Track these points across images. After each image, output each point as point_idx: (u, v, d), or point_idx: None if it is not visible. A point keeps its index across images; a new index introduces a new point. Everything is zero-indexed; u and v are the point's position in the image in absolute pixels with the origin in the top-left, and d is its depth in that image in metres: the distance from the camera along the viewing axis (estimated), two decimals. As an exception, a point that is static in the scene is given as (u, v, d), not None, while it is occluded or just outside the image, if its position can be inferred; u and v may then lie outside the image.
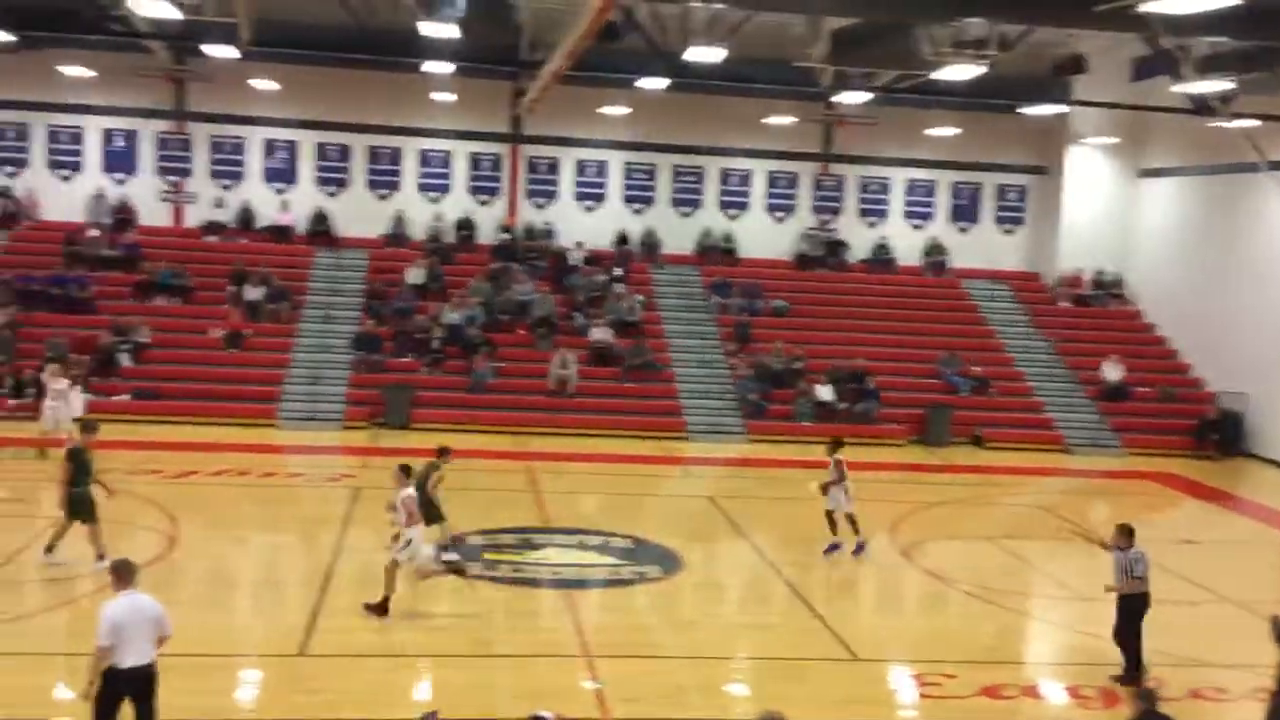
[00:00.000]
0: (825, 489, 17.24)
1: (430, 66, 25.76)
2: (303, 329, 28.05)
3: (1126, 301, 32.78)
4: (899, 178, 33.86)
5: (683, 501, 21.90)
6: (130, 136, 30.80)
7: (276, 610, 14.40)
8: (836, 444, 17.53)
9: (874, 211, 33.88)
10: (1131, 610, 12.50)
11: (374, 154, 31.81)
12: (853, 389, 27.91)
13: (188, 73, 30.05)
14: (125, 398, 25.02)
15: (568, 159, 32.53)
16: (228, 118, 30.93)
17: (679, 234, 32.82)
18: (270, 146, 31.42)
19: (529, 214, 32.37)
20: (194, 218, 30.94)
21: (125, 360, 26.00)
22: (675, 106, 30.22)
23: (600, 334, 28.57)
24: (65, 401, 21.22)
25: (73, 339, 25.85)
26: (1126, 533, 12.60)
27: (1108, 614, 12.70)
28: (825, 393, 27.64)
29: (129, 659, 9.25)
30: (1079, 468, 26.46)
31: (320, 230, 31.02)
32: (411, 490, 13.94)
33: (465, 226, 31.84)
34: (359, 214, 31.35)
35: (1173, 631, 13.52)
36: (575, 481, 22.42)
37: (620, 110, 30.65)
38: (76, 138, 30.65)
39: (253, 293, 28.18)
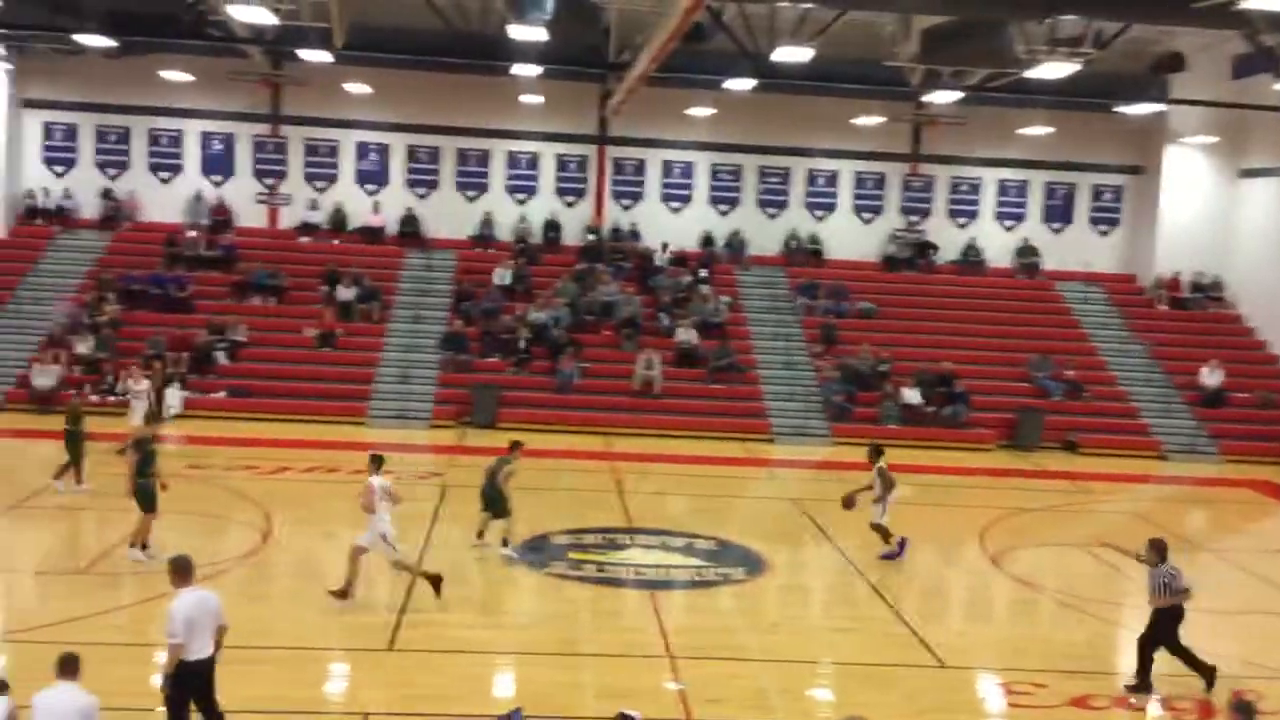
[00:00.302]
0: (850, 502, 17.02)
1: (519, 69, 25.99)
2: (392, 329, 28.48)
3: (1226, 305, 31.90)
4: (990, 178, 33.35)
5: (766, 504, 21.80)
6: (228, 140, 31.55)
7: (364, 605, 14.61)
8: (877, 451, 17.20)
9: (964, 212, 33.42)
10: (1166, 623, 12.30)
11: (463, 156, 32.19)
12: (940, 392, 27.56)
13: (283, 77, 30.70)
14: (221, 395, 25.65)
15: (654, 160, 32.59)
16: (321, 121, 31.54)
17: (765, 235, 32.69)
18: (362, 149, 31.96)
19: (615, 215, 32.50)
20: (288, 219, 31.59)
21: (222, 358, 26.63)
22: (762, 107, 30.11)
23: (685, 335, 28.57)
24: (144, 400, 21.58)
25: (171, 337, 26.55)
26: (1158, 549, 12.40)
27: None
28: (912, 395, 27.34)
29: (197, 652, 9.52)
30: (1175, 474, 25.83)
31: (410, 231, 31.47)
32: (377, 480, 13.90)
33: (552, 227, 32.06)
34: (448, 215, 31.74)
35: (1269, 642, 13.13)
36: (659, 482, 22.45)
37: (706, 111, 30.62)
38: (176, 141, 31.49)
39: (345, 293, 28.69)
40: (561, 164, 32.42)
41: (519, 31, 21.04)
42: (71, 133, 31.21)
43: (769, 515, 20.26)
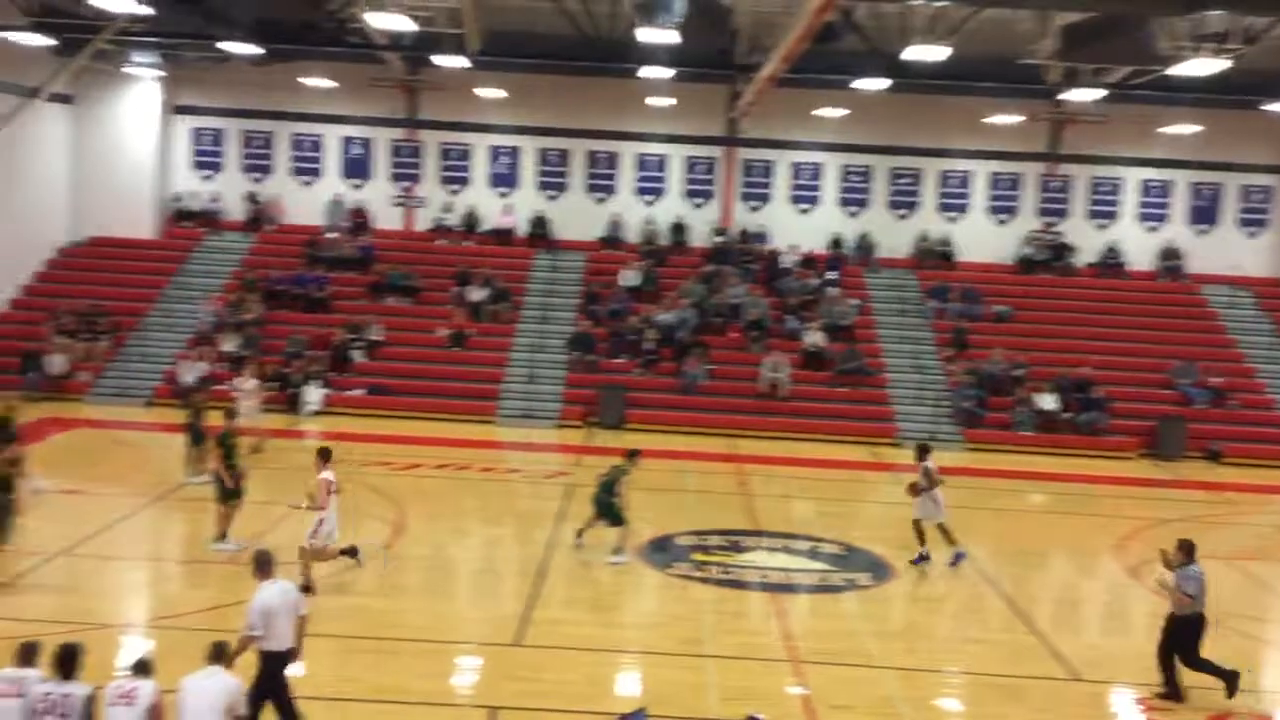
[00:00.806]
0: (915, 491, 16.66)
1: (648, 72, 26.14)
2: (521, 329, 28.91)
3: (1385, 310, 30.36)
4: (1132, 178, 32.31)
5: (894, 509, 21.44)
6: (366, 144, 32.43)
7: (493, 600, 14.89)
8: (924, 450, 16.96)
9: (1104, 213, 32.44)
10: (1180, 630, 11.96)
11: (592, 158, 32.50)
12: (1077, 398, 26.82)
13: (419, 82, 31.42)
14: (358, 392, 26.35)
15: (782, 161, 32.43)
16: (455, 125, 32.19)
17: (894, 237, 32.25)
18: (494, 152, 32.51)
19: (743, 217, 32.43)
20: (423, 221, 32.32)
21: (358, 357, 27.38)
22: (893, 107, 29.72)
23: (812, 338, 28.37)
24: (252, 399, 22.16)
25: (311, 336, 27.39)
26: (1183, 549, 12.03)
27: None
28: (1047, 402, 26.66)
29: (279, 642, 9.83)
30: (1327, 488, 24.67)
31: (540, 233, 31.90)
32: (327, 475, 14.04)
33: (679, 229, 32.16)
34: (577, 217, 32.08)
35: None
36: (784, 485, 22.34)
37: (836, 112, 30.34)
38: (317, 145, 32.48)
39: (476, 293, 29.22)
40: (689, 166, 32.49)
41: (648, 35, 21.17)
42: (218, 138, 32.47)
43: (896, 521, 19.93)
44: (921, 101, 29.52)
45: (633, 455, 16.44)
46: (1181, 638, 12.00)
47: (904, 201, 32.52)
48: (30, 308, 28.51)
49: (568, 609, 14.17)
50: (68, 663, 8.44)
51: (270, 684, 9.59)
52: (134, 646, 10.98)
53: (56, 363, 26.04)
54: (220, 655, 8.72)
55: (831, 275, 30.69)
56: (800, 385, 27.24)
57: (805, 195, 32.55)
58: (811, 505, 21.01)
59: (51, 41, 25.76)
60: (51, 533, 15.24)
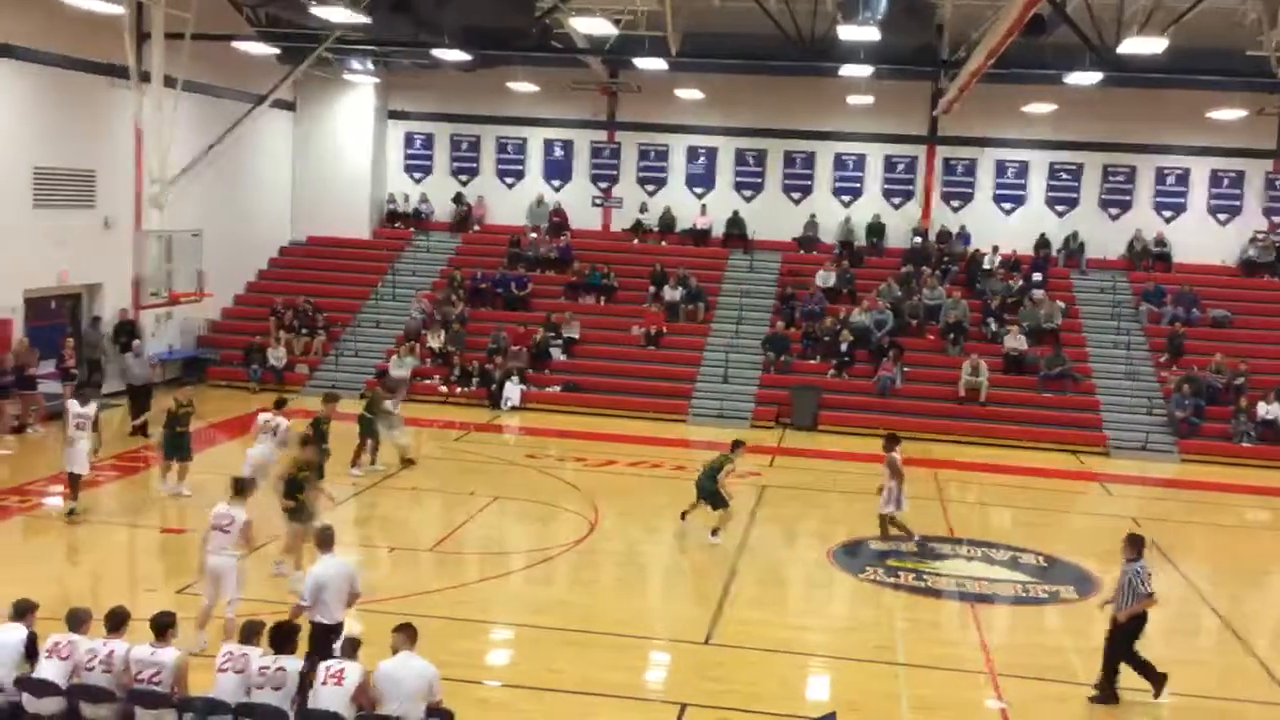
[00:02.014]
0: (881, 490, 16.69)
1: (848, 70, 25.83)
2: (716, 329, 29.00)
3: None
4: (1372, 174, 30.17)
5: (1100, 520, 20.63)
6: (567, 146, 33.14)
7: (683, 598, 15.01)
8: (893, 440, 17.02)
9: (1337, 213, 30.39)
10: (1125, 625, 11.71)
11: (789, 158, 32.35)
12: (1304, 409, 25.19)
13: (620, 85, 31.91)
14: (556, 389, 26.95)
15: (986, 160, 31.57)
16: (653, 126, 32.56)
17: (1105, 237, 30.97)
18: (692, 153, 32.74)
19: (943, 216, 31.72)
20: (621, 221, 32.80)
21: (557, 354, 27.99)
22: (1106, 102, 28.56)
23: (1015, 341, 27.51)
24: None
25: (512, 333, 28.16)
26: (1130, 543, 11.91)
27: None
28: (1272, 411, 25.11)
29: (327, 615, 10.23)
30: None
31: (735, 233, 31.93)
32: (268, 416, 14.89)
33: (876, 230, 31.68)
34: (772, 217, 31.98)
35: None
36: (983, 492, 21.75)
37: (1044, 108, 29.34)
38: (521, 148, 33.37)
39: (671, 293, 29.48)
40: (889, 165, 31.98)
41: (849, 32, 20.93)
42: (428, 142, 33.74)
43: (1103, 533, 19.14)
44: (1137, 96, 28.30)
45: (736, 445, 17.09)
46: (1120, 630, 11.73)
47: (1117, 200, 31.21)
48: (254, 304, 30.25)
49: (758, 609, 14.16)
50: (284, 641, 8.94)
51: (321, 654, 9.69)
52: (350, 627, 11.50)
53: (277, 356, 27.54)
54: (411, 640, 9.03)
55: (1037, 277, 29.69)
56: (1001, 390, 26.45)
57: (1010, 194, 31.60)
58: (1012, 514, 20.39)
59: (276, 50, 27.31)
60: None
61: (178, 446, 17.50)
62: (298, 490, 13.73)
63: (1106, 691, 11.75)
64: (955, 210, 31.75)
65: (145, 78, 22.89)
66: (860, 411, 26.10)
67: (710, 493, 16.74)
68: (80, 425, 15.85)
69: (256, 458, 16.32)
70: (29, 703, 8.84)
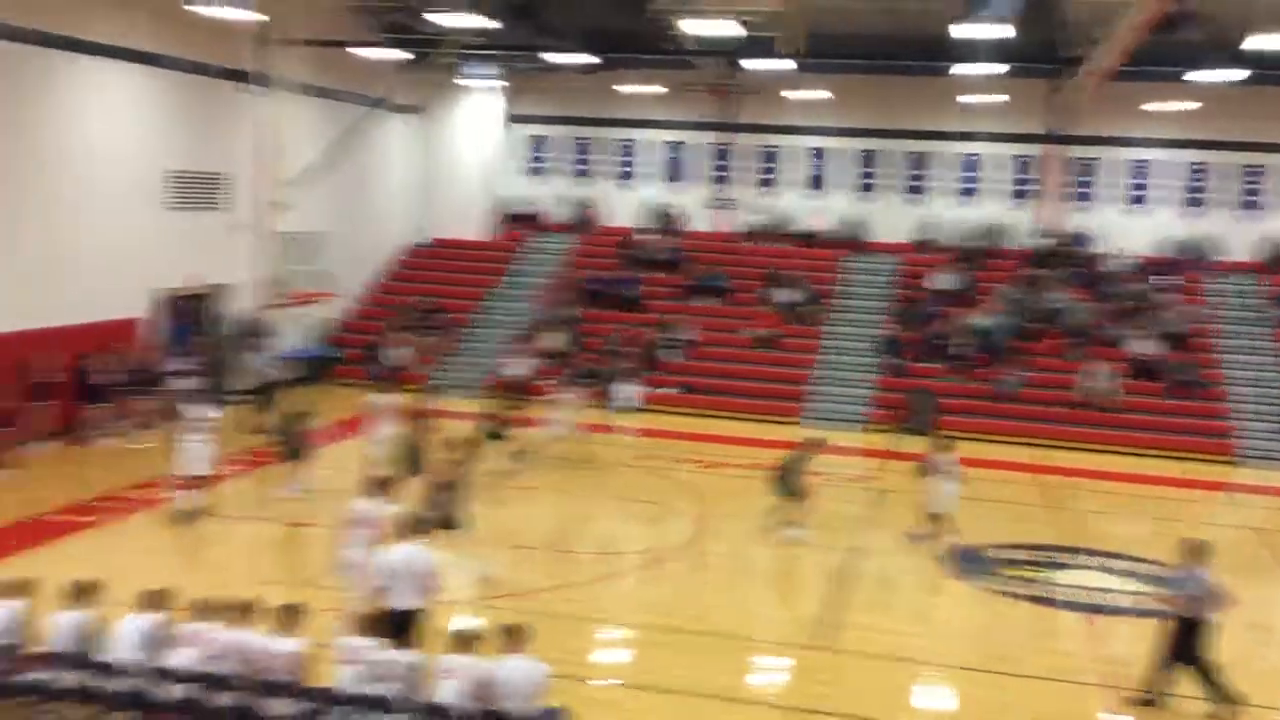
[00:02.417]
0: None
1: (968, 69, 25.42)
2: (830, 331, 28.79)
3: None
4: None
5: (1226, 532, 19.94)
6: (683, 148, 33.24)
7: (794, 601, 14.98)
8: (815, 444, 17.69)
9: None
10: (1178, 631, 11.37)
11: (907, 159, 31.96)
12: None
13: (736, 86, 31.89)
14: (669, 390, 27.06)
15: (1111, 159, 30.77)
16: (769, 127, 32.47)
17: (1239, 239, 29.93)
18: (808, 154, 32.55)
19: (1066, 218, 30.99)
20: (735, 223, 32.78)
21: (670, 356, 28.10)
22: (1240, 100, 27.59)
23: (1140, 346, 26.74)
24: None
25: (626, 335, 28.35)
26: (1188, 550, 11.55)
27: None
28: None
29: (400, 601, 10.38)
30: None
31: (851, 235, 31.65)
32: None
33: (996, 231, 31.10)
34: (889, 219, 31.65)
35: None
36: (1102, 500, 21.20)
37: (1174, 106, 28.47)
38: (637, 150, 33.58)
39: (784, 295, 29.35)
40: (1009, 165, 31.37)
41: (971, 30, 20.62)
42: (547, 144, 34.17)
43: (1228, 544, 18.51)
44: (1270, 94, 27.25)
45: (815, 444, 17.73)
46: (1175, 634, 11.50)
47: (1251, 201, 30.13)
48: (376, 304, 30.99)
49: (869, 615, 14.05)
50: (402, 634, 9.17)
51: (402, 641, 9.81)
52: (463, 623, 11.75)
53: (397, 355, 28.17)
54: (520, 641, 9.16)
55: (1164, 280, 28.81)
56: (1124, 396, 25.74)
57: (1136, 195, 30.75)
58: (1133, 523, 19.85)
59: (401, 56, 27.95)
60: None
61: (296, 448, 18.01)
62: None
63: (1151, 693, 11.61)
64: (1079, 211, 31.01)
65: (273, 83, 23.63)
66: (978, 416, 25.66)
67: (789, 487, 17.02)
68: (199, 429, 16.37)
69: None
70: (159, 689, 9.22)
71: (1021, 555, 16.63)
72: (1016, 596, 14.89)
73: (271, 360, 23.59)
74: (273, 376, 23.33)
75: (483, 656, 9.04)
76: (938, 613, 14.67)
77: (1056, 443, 24.74)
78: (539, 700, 9.02)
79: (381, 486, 12.40)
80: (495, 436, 20.00)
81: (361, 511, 12.16)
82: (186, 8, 20.62)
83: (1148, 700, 11.53)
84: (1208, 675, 11.42)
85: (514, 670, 8.91)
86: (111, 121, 21.98)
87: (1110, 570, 16.24)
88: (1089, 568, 16.33)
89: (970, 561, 16.28)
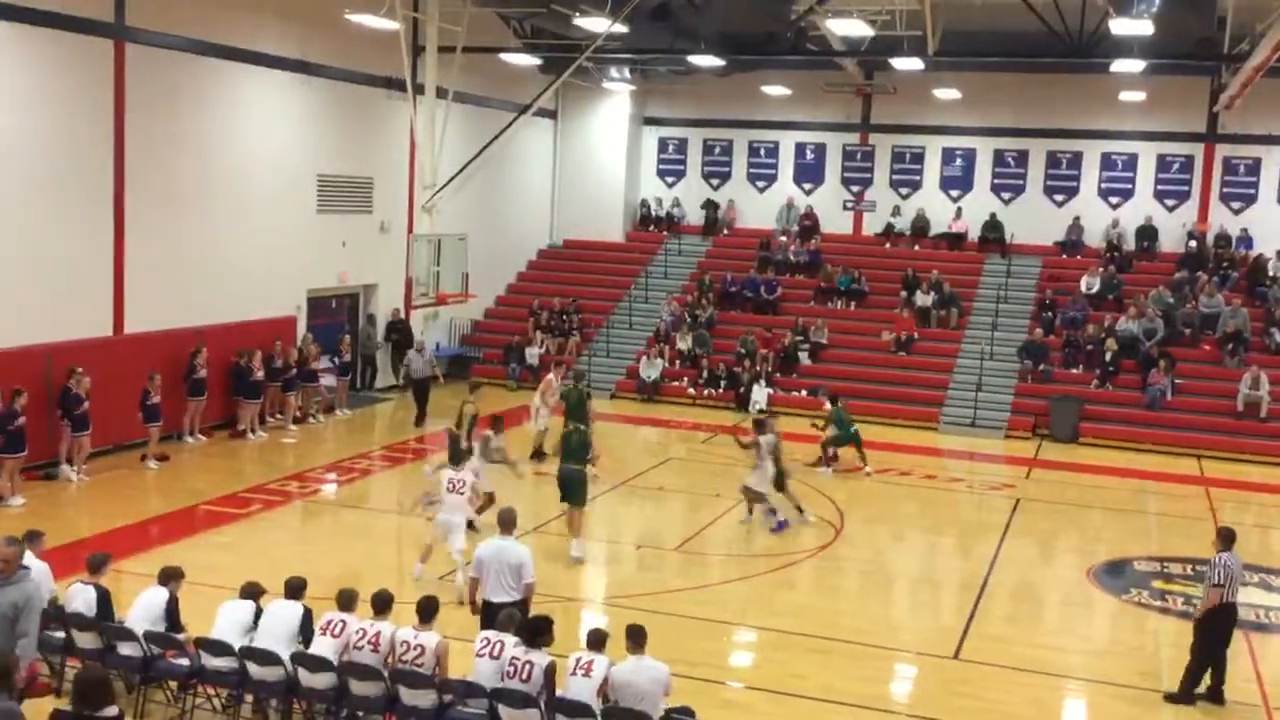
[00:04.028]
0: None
1: (1119, 66, 24.59)
2: (970, 335, 28.16)
3: None
4: None
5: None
6: (819, 149, 32.94)
7: (931, 610, 14.69)
8: (760, 425, 17.47)
9: None
10: (1206, 621, 11.29)
11: (1052, 158, 31.10)
12: None
13: (874, 86, 31.47)
14: (803, 394, 26.82)
15: (1272, 158, 29.40)
16: (908, 128, 31.95)
17: None
18: (947, 154, 31.93)
19: (1222, 219, 29.75)
20: (872, 225, 32.35)
21: (804, 359, 27.86)
22: None
23: (1303, 353, 25.52)
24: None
25: (760, 337, 28.21)
26: (1220, 536, 11.57)
27: None
28: None
29: (490, 593, 10.54)
30: None
31: (993, 237, 30.92)
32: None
33: (1147, 233, 30.03)
34: (1033, 220, 30.82)
35: None
36: (1262, 514, 20.27)
37: (1342, 101, 27.11)
38: (772, 152, 33.40)
39: (923, 298, 28.83)
40: (1162, 164, 30.25)
41: (1121, 26, 19.95)
42: (681, 146, 34.24)
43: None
44: None
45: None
46: (1202, 629, 11.40)
47: None
48: (513, 304, 31.47)
49: (1011, 626, 13.70)
50: (536, 632, 9.28)
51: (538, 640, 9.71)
52: (593, 622, 11.85)
53: (533, 355, 28.55)
54: (641, 642, 9.16)
55: (1329, 284, 27.46)
56: (1285, 405, 24.60)
57: (1299, 195, 29.37)
58: (1295, 539, 18.94)
59: (538, 61, 28.34)
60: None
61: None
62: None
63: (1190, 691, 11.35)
64: (1236, 212, 29.72)
65: (419, 89, 24.17)
66: (1125, 424, 24.80)
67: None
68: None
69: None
70: (304, 677, 9.51)
71: (1173, 569, 16.00)
72: (1166, 612, 14.33)
73: (428, 359, 24.29)
74: (428, 374, 23.99)
75: (611, 656, 9.09)
76: (1082, 626, 14.20)
77: (1211, 453, 23.76)
78: (665, 700, 9.03)
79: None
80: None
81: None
82: (347, 16, 21.31)
83: (1180, 696, 11.32)
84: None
85: (637, 674, 8.93)
86: (269, 128, 22.81)
87: (1270, 587, 15.51)
88: (1247, 584, 15.60)
89: (1116, 575, 15.75)
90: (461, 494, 13.58)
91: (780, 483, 17.35)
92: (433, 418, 23.19)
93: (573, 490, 15.26)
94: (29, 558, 9.04)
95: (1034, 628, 13.92)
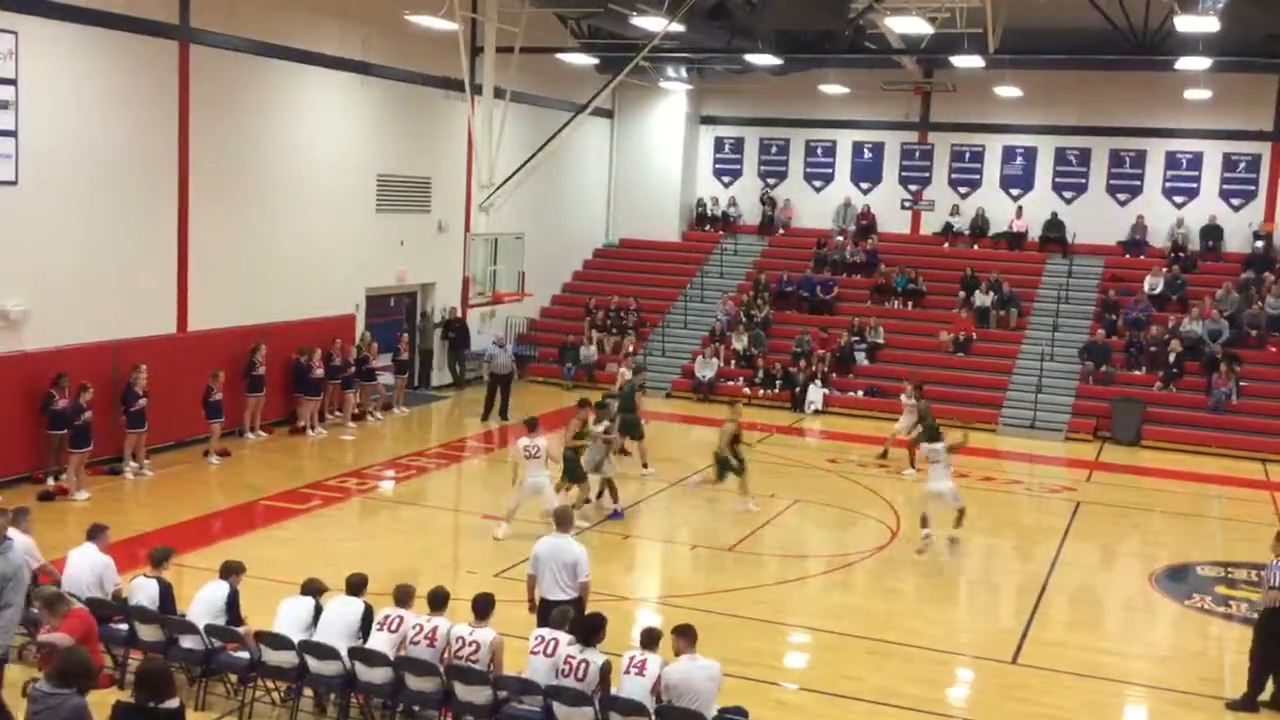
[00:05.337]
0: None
1: (1185, 63, 24.17)
2: (1030, 336, 27.83)
3: None
4: None
5: None
6: (877, 148, 32.70)
7: (990, 614, 14.54)
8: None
9: None
10: (1266, 625, 11.06)
11: (1115, 157, 30.63)
12: None
13: (933, 84, 31.18)
14: (859, 394, 26.67)
15: (1343, 155, 28.80)
16: (967, 126, 31.61)
17: None
18: (1008, 153, 31.56)
19: (1291, 219, 29.18)
20: (930, 225, 32.06)
21: (861, 359, 27.68)
22: None
23: (1374, 356, 24.95)
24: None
25: (816, 337, 28.07)
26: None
27: None
28: None
29: (545, 590, 10.62)
30: None
31: (1054, 236, 30.52)
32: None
33: (1212, 233, 29.50)
34: (1095, 220, 30.37)
35: None
36: (1332, 521, 19.84)
37: None
38: (829, 151, 33.21)
39: (982, 299, 28.53)
40: (1228, 163, 29.68)
41: (1187, 23, 19.62)
42: (738, 145, 34.15)
43: None
44: None
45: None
46: (1262, 630, 11.22)
47: None
48: (569, 303, 31.57)
49: (1071, 632, 13.52)
50: (590, 631, 9.31)
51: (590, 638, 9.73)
52: (646, 621, 11.87)
53: (589, 353, 28.63)
54: (691, 641, 9.09)
55: (1402, 285, 26.81)
56: (1356, 409, 24.05)
57: (1371, 194, 28.70)
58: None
59: (595, 61, 28.41)
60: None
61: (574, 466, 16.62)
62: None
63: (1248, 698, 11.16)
64: (1305, 212, 29.15)
65: (477, 90, 24.35)
66: (1188, 427, 24.39)
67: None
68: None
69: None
70: (362, 671, 9.62)
71: (1238, 575, 15.71)
72: (1230, 618, 14.07)
73: (508, 354, 24.60)
74: (508, 369, 24.31)
75: (664, 656, 9.09)
76: (1144, 632, 13.99)
77: (1277, 456, 23.32)
78: (717, 699, 9.01)
79: (535, 426, 15.65)
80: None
81: (528, 447, 15.33)
82: (406, 17, 21.49)
83: (1243, 704, 11.11)
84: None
85: (690, 674, 8.92)
86: (329, 128, 23.07)
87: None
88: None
89: (1178, 580, 15.50)
90: (537, 458, 15.29)
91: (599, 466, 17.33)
92: (513, 411, 23.62)
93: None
94: (12, 532, 9.40)
95: (1094, 633, 13.73)
